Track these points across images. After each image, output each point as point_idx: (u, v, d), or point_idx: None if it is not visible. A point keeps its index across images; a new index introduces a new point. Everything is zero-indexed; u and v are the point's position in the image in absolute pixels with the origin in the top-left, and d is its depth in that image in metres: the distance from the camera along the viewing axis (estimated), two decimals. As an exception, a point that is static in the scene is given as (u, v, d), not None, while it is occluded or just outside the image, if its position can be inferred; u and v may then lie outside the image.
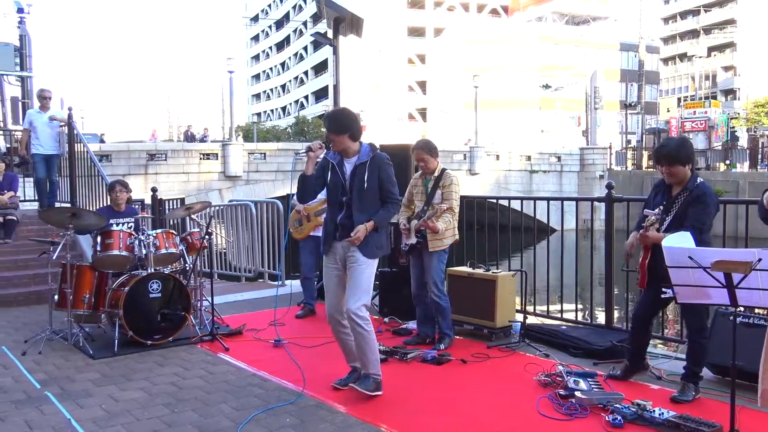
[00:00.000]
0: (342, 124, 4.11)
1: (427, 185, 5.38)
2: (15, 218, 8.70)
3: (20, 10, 18.18)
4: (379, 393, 4.14)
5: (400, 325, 6.02)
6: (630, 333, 4.54)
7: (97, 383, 4.59)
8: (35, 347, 5.45)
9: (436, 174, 5.33)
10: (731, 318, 3.95)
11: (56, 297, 5.83)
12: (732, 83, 62.09)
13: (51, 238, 6.14)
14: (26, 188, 10.35)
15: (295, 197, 6.76)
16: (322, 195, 6.34)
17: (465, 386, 4.43)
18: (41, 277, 7.61)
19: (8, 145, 14.98)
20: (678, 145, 4.10)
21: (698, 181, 4.05)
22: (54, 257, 5.80)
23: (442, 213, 5.16)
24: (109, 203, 6.70)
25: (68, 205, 9.32)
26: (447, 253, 5.38)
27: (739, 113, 44.25)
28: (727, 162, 34.43)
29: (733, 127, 42.01)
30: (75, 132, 9.57)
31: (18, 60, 17.42)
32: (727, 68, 63.66)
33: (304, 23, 68.43)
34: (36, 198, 9.76)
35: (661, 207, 4.12)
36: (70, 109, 9.54)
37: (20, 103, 17.93)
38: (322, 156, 4.26)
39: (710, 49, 63.81)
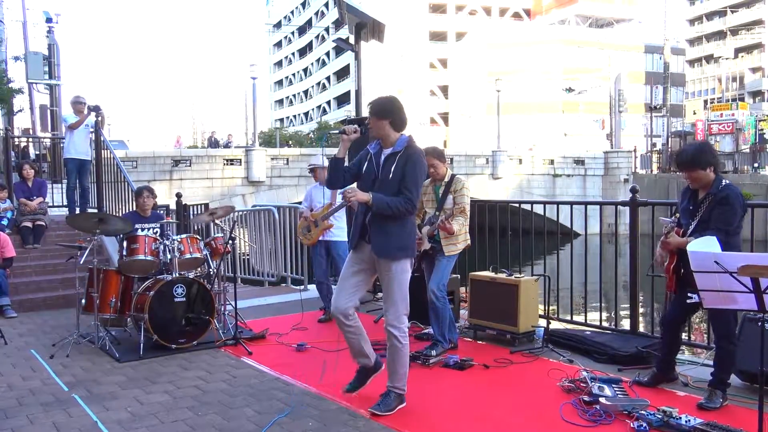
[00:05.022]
0: (385, 108, 3.90)
1: (437, 191, 5.40)
2: (43, 224, 8.88)
3: (49, 20, 18.58)
4: (402, 406, 4.03)
5: (422, 330, 6.00)
6: (660, 339, 4.48)
7: (122, 386, 4.66)
8: (63, 350, 5.55)
9: (446, 180, 5.35)
10: (759, 324, 3.87)
11: (83, 301, 5.93)
12: (760, 84, 61.07)
13: (78, 243, 6.24)
14: (54, 194, 10.53)
15: (302, 205, 6.81)
16: (326, 199, 6.39)
17: (487, 392, 4.41)
18: (69, 281, 7.77)
19: (37, 152, 15.30)
20: (696, 150, 4.07)
21: (723, 183, 4.01)
22: (81, 262, 5.90)
23: (455, 215, 5.17)
24: (134, 209, 6.80)
25: (95, 210, 9.46)
26: (457, 258, 5.38)
27: (767, 115, 43.39)
28: (756, 165, 33.82)
29: (762, 129, 41.27)
30: (102, 138, 9.72)
31: (47, 68, 17.80)
32: (754, 69, 62.68)
33: (327, 29, 68.82)
34: (65, 204, 9.88)
35: (677, 215, 4.11)
36: (96, 115, 9.65)
37: (49, 111, 18.31)
38: (355, 136, 4.06)
39: (737, 51, 62.91)
